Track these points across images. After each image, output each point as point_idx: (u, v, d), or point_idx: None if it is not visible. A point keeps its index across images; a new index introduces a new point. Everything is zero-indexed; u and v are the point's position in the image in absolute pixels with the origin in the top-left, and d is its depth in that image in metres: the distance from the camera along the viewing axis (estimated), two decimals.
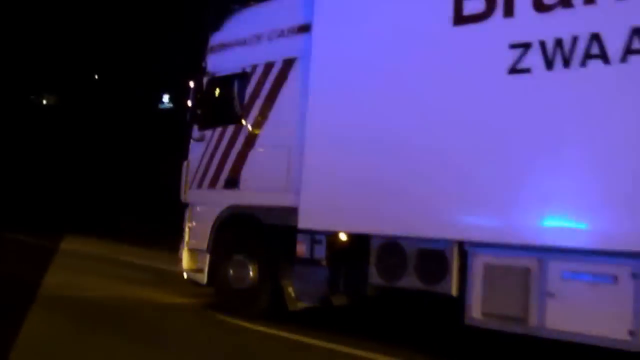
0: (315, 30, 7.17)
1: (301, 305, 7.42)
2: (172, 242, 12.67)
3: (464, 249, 5.83)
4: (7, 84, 29.96)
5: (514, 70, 5.54)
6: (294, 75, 7.61)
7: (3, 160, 29.26)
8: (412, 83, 6.26)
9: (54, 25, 27.65)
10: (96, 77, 30.30)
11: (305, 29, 7.50)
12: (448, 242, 5.91)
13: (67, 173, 29.82)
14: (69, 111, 30.82)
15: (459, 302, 5.86)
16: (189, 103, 8.85)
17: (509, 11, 5.65)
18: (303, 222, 7.00)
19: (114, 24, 25.93)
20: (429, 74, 6.15)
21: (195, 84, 8.81)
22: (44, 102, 33.46)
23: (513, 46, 5.56)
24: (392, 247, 6.31)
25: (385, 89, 6.45)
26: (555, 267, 5.30)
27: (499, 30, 5.70)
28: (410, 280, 6.20)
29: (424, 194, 6.04)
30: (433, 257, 6.03)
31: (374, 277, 6.48)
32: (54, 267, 11.50)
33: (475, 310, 5.71)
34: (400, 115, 6.31)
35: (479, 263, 5.72)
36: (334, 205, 6.79)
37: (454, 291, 5.90)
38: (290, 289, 7.39)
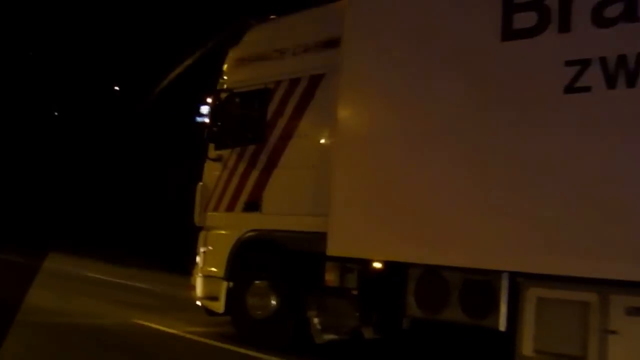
0: (346, 44, 6.87)
1: (328, 337, 7.05)
2: (181, 264, 12.31)
3: (515, 280, 5.49)
4: (23, 94, 29.24)
5: (571, 88, 5.24)
6: (321, 91, 7.35)
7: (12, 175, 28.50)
8: (456, 101, 5.94)
9: (74, 33, 27.12)
10: (117, 88, 29.44)
11: (333, 43, 7.22)
12: (497, 273, 5.58)
13: (83, 190, 29.09)
14: (85, 124, 29.94)
15: (509, 338, 5.51)
16: (206, 120, 8.52)
17: (564, 26, 5.36)
18: (333, 249, 6.65)
19: (142, 32, 25.30)
20: (475, 92, 5.83)
21: (212, 101, 8.50)
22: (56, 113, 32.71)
23: (570, 63, 5.26)
24: (434, 277, 5.98)
25: (426, 108, 6.15)
26: (618, 302, 4.97)
27: (553, 46, 5.41)
28: (453, 313, 5.86)
29: (470, 220, 5.70)
30: (480, 289, 5.70)
31: (412, 309, 6.14)
32: (50, 290, 11.03)
33: (527, 347, 5.36)
34: (443, 135, 6.00)
35: (531, 296, 5.38)
36: (367, 231, 6.44)
37: (502, 326, 5.56)
38: (316, 320, 7.03)
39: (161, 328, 8.58)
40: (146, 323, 8.81)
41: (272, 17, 8.70)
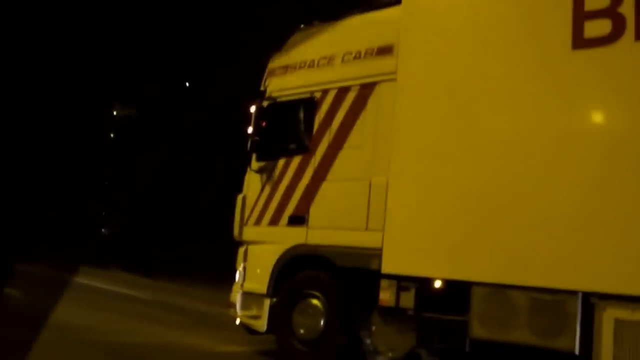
0: (404, 52, 6.91)
1: (381, 359, 7.04)
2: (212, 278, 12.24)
3: (589, 301, 5.47)
4: (80, 91, 28.94)
5: None
6: (374, 100, 7.36)
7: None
8: (525, 111, 5.96)
9: (139, 26, 26.87)
10: (187, 84, 28.64)
11: (387, 50, 7.28)
12: (569, 293, 5.55)
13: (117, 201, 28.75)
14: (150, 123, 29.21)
15: None
16: (249, 130, 8.56)
17: None
18: (388, 266, 6.66)
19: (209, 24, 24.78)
20: (544, 101, 5.84)
21: (255, 110, 8.54)
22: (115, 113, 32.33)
23: None
24: (500, 297, 5.95)
25: (491, 117, 6.17)
26: None
27: (629, 55, 5.42)
28: (521, 334, 5.82)
29: (539, 236, 5.70)
30: (550, 309, 5.65)
31: (476, 330, 6.11)
32: (78, 305, 11.08)
33: None
34: (508, 146, 6.01)
35: (608, 318, 5.34)
36: (426, 248, 6.45)
37: (576, 349, 5.52)
38: (369, 341, 7.03)
39: (197, 347, 8.62)
40: (181, 342, 8.87)
41: (315, 22, 8.73)
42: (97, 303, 11.85)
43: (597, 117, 5.71)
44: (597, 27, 5.62)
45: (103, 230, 27.84)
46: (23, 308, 9.20)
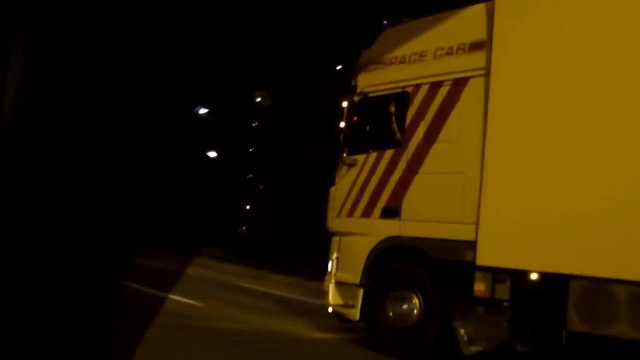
0: (497, 48, 6.89)
1: (476, 349, 7.05)
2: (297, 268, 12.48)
3: None
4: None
5: None
6: (467, 95, 7.36)
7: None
8: (624, 104, 5.87)
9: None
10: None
11: (479, 46, 7.26)
12: None
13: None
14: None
15: None
16: (341, 124, 8.71)
17: None
18: (483, 258, 6.68)
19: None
20: None
21: (347, 104, 8.67)
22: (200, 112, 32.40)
23: None
24: (599, 290, 5.90)
25: (589, 110, 6.11)
26: None
27: None
28: (621, 328, 5.77)
29: None
30: None
31: (573, 323, 6.08)
32: (181, 294, 11.53)
33: None
34: (608, 138, 5.95)
35: None
36: (522, 240, 6.45)
37: None
38: (463, 331, 7.06)
39: (292, 333, 8.85)
40: (276, 328, 9.13)
41: (404, 19, 8.77)
42: (214, 294, 12.28)
43: None
44: None
45: (244, 227, 28.19)
46: (141, 297, 9.67)
